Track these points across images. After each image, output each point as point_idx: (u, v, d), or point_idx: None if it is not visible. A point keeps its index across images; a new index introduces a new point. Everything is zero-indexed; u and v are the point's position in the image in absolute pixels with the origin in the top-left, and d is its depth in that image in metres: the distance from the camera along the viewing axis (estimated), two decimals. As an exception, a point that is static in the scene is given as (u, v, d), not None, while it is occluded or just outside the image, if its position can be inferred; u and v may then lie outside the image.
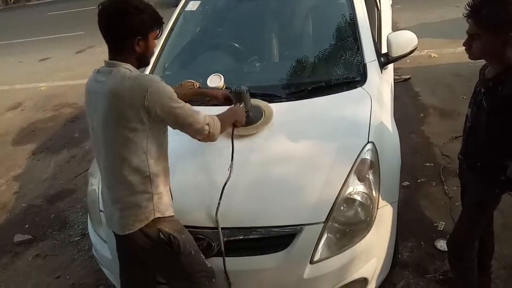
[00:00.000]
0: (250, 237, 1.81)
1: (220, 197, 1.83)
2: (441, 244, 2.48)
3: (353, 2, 2.76)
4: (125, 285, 1.95)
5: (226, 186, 1.85)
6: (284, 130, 2.15)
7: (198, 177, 2.00)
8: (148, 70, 2.78)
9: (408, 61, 4.89)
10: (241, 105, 2.03)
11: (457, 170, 2.03)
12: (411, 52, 2.59)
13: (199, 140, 1.72)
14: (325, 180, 1.89)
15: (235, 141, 1.97)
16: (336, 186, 1.86)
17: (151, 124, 1.56)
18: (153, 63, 2.83)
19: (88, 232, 2.39)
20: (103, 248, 2.12)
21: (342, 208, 1.84)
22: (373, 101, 2.24)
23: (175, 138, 1.76)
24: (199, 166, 2.05)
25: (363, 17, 2.70)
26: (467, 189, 1.94)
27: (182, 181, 1.80)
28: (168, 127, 1.68)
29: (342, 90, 2.35)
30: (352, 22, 2.69)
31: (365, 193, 1.90)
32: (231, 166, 1.89)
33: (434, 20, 6.35)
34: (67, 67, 7.45)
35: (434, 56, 5.21)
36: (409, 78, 4.73)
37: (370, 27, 2.70)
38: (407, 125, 3.74)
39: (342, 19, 2.79)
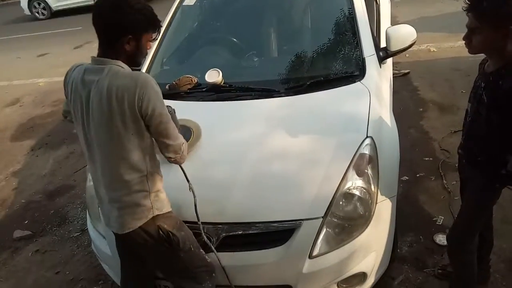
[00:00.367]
0: (249, 232, 1.81)
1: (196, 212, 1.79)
2: (440, 239, 2.49)
3: (352, -4, 2.74)
4: (126, 280, 1.96)
5: (225, 184, 1.85)
6: (282, 125, 2.15)
7: (196, 172, 1.99)
8: (145, 66, 2.77)
9: (407, 55, 4.88)
10: None
11: (456, 165, 2.03)
12: (410, 46, 2.59)
13: (169, 158, 1.64)
14: (324, 175, 1.88)
15: None
16: (334, 181, 1.86)
17: (144, 123, 1.54)
18: (151, 58, 2.82)
19: (87, 228, 2.39)
20: (102, 243, 2.12)
21: (341, 203, 1.84)
22: (372, 96, 2.23)
23: None
24: (198, 161, 2.04)
25: (361, 11, 2.69)
26: (467, 183, 1.94)
27: (178, 176, 1.79)
28: None
29: (341, 85, 2.34)
30: (351, 16, 2.68)
31: (364, 188, 1.90)
32: (190, 187, 1.79)
33: (433, 14, 6.33)
34: (66, 63, 7.39)
35: (433, 50, 5.19)
36: (408, 73, 4.72)
37: (369, 21, 2.69)
38: (406, 119, 3.74)
39: (340, 13, 2.77)
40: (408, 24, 2.63)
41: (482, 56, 1.71)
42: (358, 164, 1.92)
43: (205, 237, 1.78)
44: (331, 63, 2.57)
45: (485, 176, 1.76)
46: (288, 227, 1.80)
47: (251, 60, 2.71)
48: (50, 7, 12.36)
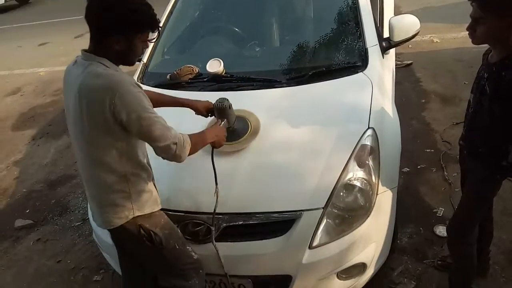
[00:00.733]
0: (250, 222, 1.82)
1: (213, 217, 1.80)
2: (440, 230, 2.49)
3: (354, -14, 2.71)
4: (125, 271, 1.97)
5: (226, 174, 1.84)
6: (284, 116, 2.14)
7: (195, 163, 1.99)
8: (146, 55, 2.76)
9: (410, 46, 4.84)
10: (223, 123, 1.90)
11: (457, 156, 2.02)
12: (413, 36, 2.56)
13: (163, 158, 1.57)
14: (325, 166, 1.88)
15: None
16: (335, 172, 1.86)
17: (119, 126, 1.46)
18: (152, 48, 2.80)
19: (88, 217, 2.40)
20: (104, 233, 2.11)
21: (341, 194, 1.84)
22: (374, 87, 2.22)
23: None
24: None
25: (365, 1, 2.66)
26: (468, 175, 1.93)
27: (180, 166, 1.79)
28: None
29: (343, 75, 2.32)
30: (354, 6, 2.65)
31: (365, 179, 1.89)
32: (216, 191, 1.79)
33: (436, 4, 6.27)
34: (66, 52, 7.38)
35: (437, 41, 5.15)
36: (410, 64, 4.69)
37: (372, 11, 2.66)
38: (408, 110, 3.73)
39: (343, 2, 2.74)
40: (411, 14, 2.60)
41: (485, 47, 1.70)
42: (359, 155, 1.92)
43: (213, 230, 1.79)
44: (333, 53, 2.54)
45: (486, 167, 1.75)
46: (288, 217, 1.80)
47: (252, 50, 2.69)
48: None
